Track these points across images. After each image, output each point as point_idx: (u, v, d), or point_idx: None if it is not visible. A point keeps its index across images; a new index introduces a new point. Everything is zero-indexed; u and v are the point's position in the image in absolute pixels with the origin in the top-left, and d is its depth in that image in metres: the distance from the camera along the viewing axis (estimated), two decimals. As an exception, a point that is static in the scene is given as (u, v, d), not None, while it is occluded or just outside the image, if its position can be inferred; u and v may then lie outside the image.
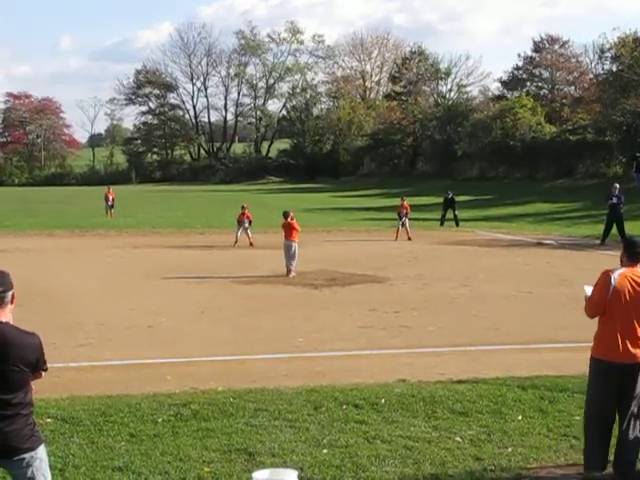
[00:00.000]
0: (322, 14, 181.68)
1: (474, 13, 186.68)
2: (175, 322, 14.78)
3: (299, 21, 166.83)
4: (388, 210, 41.11)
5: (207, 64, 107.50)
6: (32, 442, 5.03)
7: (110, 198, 44.44)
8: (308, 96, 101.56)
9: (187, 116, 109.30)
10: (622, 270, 6.93)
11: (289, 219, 21.74)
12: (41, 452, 5.10)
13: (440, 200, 40.22)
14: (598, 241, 29.27)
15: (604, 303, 6.85)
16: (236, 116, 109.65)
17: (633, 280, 6.86)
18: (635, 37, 55.05)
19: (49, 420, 8.45)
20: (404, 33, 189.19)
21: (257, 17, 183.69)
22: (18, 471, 5.03)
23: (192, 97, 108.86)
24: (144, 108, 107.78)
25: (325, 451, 7.62)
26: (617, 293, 6.81)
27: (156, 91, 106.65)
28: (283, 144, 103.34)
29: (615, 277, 6.84)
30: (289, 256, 21.19)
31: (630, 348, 6.82)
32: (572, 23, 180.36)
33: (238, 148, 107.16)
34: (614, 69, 57.25)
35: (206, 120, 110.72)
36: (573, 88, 79.68)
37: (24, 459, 4.99)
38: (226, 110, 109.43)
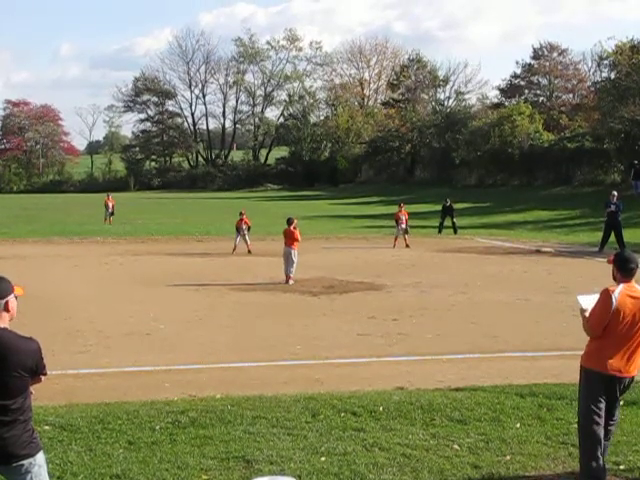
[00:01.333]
0: (322, 22, 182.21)
1: (474, 21, 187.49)
2: (173, 329, 14.78)
3: (299, 29, 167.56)
4: (386, 217, 41.17)
5: (205, 71, 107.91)
6: (31, 448, 5.04)
7: (110, 205, 44.57)
8: (306, 103, 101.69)
9: (185, 123, 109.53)
10: (621, 288, 6.92)
11: (292, 227, 21.70)
12: (40, 458, 5.10)
13: (438, 207, 40.27)
14: (596, 249, 29.29)
15: (605, 322, 6.86)
16: (234, 123, 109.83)
17: (632, 297, 6.89)
18: (632, 45, 55.15)
19: (47, 427, 8.43)
20: (404, 41, 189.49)
21: (257, 24, 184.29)
22: (17, 477, 5.03)
23: (190, 104, 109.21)
24: (142, 115, 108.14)
25: (323, 459, 7.61)
26: (618, 312, 6.83)
27: (154, 98, 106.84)
28: (281, 151, 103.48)
29: (616, 296, 6.85)
30: (288, 263, 21.18)
31: (626, 363, 6.91)
32: (572, 31, 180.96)
33: (236, 155, 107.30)
34: (612, 77, 57.33)
35: (204, 127, 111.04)
36: (571, 96, 79.87)
37: (23, 465, 5.00)
38: (224, 117, 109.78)
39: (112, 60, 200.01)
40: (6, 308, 5.04)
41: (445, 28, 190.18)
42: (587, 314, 7.04)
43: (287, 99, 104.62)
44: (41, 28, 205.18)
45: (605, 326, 6.88)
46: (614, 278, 7.10)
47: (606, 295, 6.92)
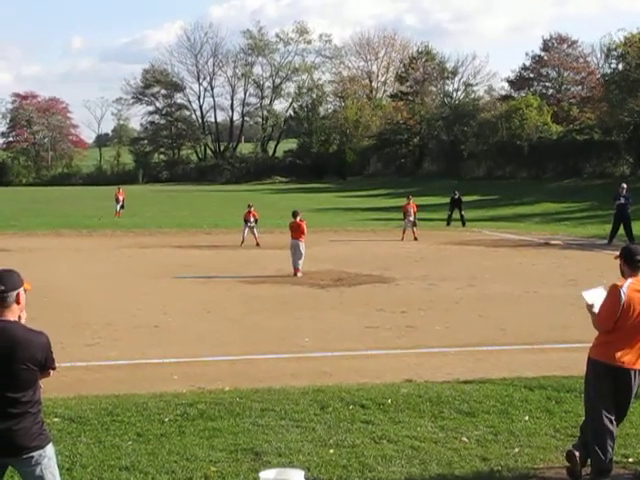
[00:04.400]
0: (333, 14, 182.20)
1: (484, 13, 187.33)
2: (182, 322, 14.80)
3: (310, 21, 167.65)
4: (394, 210, 41.14)
5: (213, 64, 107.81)
6: (40, 440, 5.05)
7: (120, 198, 44.66)
8: (315, 96, 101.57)
9: (194, 116, 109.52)
10: (629, 282, 6.91)
11: (297, 219, 21.71)
12: (49, 450, 5.12)
13: (446, 200, 40.23)
14: (605, 241, 29.23)
15: (615, 317, 6.85)
16: (242, 116, 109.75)
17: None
18: (642, 36, 54.91)
19: (56, 419, 8.46)
20: (414, 33, 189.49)
21: (267, 17, 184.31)
22: (27, 469, 5.06)
23: (198, 97, 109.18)
24: (151, 108, 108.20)
25: (331, 451, 7.62)
26: (627, 307, 6.82)
27: (163, 91, 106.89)
28: (290, 144, 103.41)
29: (624, 291, 6.84)
30: (296, 256, 21.18)
31: (634, 356, 6.91)
32: (582, 23, 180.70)
33: (245, 148, 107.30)
34: (620, 68, 57.13)
35: (212, 120, 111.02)
36: (580, 88, 79.56)
37: (33, 457, 5.02)
38: (232, 110, 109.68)
39: (123, 53, 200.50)
40: (17, 301, 5.06)
41: (455, 21, 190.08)
42: (595, 309, 7.02)
43: (297, 91, 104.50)
44: (52, 21, 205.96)
45: (615, 321, 6.87)
46: (622, 271, 7.08)
47: (615, 290, 6.90)
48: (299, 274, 20.91)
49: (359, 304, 16.77)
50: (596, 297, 7.07)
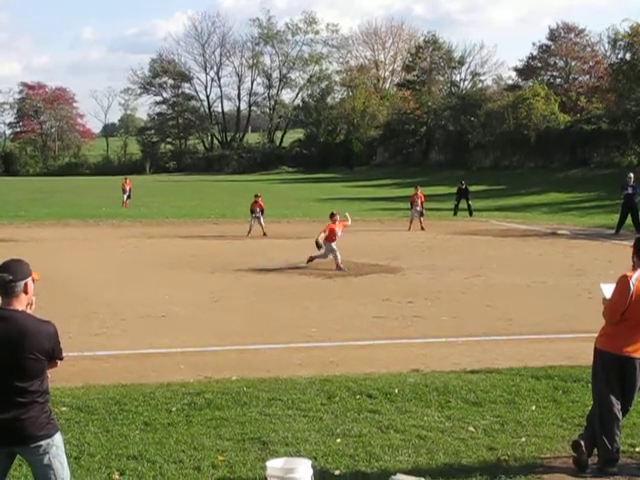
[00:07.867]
0: (342, 4, 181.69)
1: (493, 3, 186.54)
2: (189, 311, 14.83)
3: (319, 11, 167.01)
4: (401, 200, 41.10)
5: (221, 54, 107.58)
6: (48, 429, 5.08)
7: (127, 189, 44.65)
8: (323, 86, 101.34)
9: (201, 106, 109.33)
10: (638, 273, 6.88)
11: (333, 222, 21.03)
12: (57, 439, 5.15)
13: (453, 190, 40.18)
14: (612, 231, 29.18)
15: (623, 308, 6.83)
16: (249, 106, 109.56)
17: None
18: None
19: (64, 409, 8.49)
20: (423, 23, 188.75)
21: (276, 7, 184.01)
22: (35, 458, 5.09)
23: (205, 87, 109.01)
24: (158, 98, 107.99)
25: (338, 440, 7.64)
26: (636, 298, 6.79)
27: (170, 81, 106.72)
28: (297, 134, 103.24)
29: (634, 282, 6.82)
30: (334, 254, 20.48)
31: None
32: (591, 13, 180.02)
33: (251, 138, 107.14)
34: (627, 58, 56.86)
35: (220, 110, 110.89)
36: (588, 77, 79.23)
37: (41, 446, 5.05)
38: (239, 100, 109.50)
39: (132, 44, 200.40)
40: (25, 290, 5.08)
41: (465, 10, 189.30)
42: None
43: (307, 80, 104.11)
44: (62, 11, 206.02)
45: (624, 312, 6.85)
46: (633, 262, 7.04)
47: (624, 281, 6.87)
48: (342, 266, 20.14)
49: (366, 294, 16.78)
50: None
